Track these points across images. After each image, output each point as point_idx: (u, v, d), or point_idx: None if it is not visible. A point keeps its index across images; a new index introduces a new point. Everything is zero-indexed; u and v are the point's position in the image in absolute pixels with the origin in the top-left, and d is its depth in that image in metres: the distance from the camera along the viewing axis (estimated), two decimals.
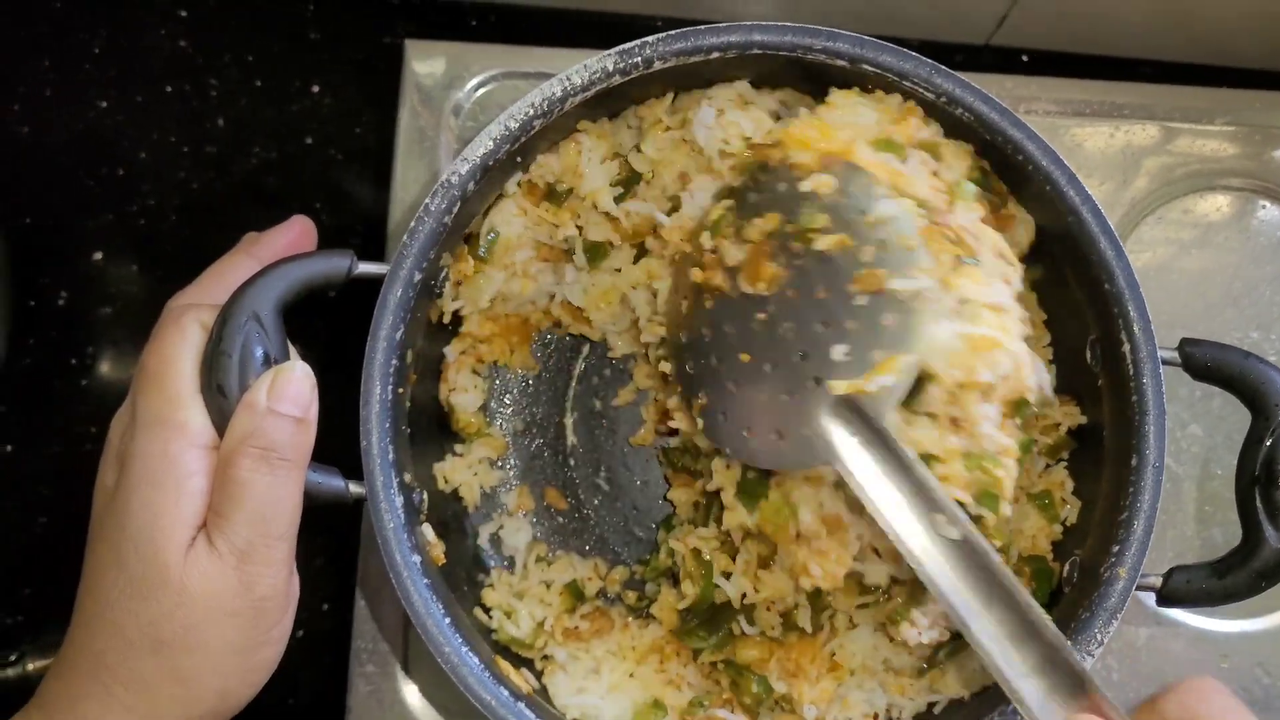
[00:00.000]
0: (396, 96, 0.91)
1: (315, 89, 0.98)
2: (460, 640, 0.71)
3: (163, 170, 0.97)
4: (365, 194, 0.97)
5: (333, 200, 0.97)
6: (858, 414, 0.69)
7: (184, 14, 0.99)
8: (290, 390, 0.68)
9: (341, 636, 0.87)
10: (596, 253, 0.82)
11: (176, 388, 0.67)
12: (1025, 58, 1.00)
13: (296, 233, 0.77)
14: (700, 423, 0.76)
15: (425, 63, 0.90)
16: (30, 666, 0.92)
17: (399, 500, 0.72)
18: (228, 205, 0.97)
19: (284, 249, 0.76)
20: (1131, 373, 0.71)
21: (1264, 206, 0.92)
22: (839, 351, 0.69)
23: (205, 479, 0.67)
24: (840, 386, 0.69)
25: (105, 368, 0.95)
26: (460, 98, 0.90)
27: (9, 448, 0.94)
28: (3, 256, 0.93)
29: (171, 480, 0.66)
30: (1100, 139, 0.91)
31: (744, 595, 0.79)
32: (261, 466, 0.66)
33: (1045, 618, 0.63)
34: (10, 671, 0.92)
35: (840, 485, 0.72)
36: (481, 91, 0.90)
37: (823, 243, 0.70)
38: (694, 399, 0.76)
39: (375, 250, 0.92)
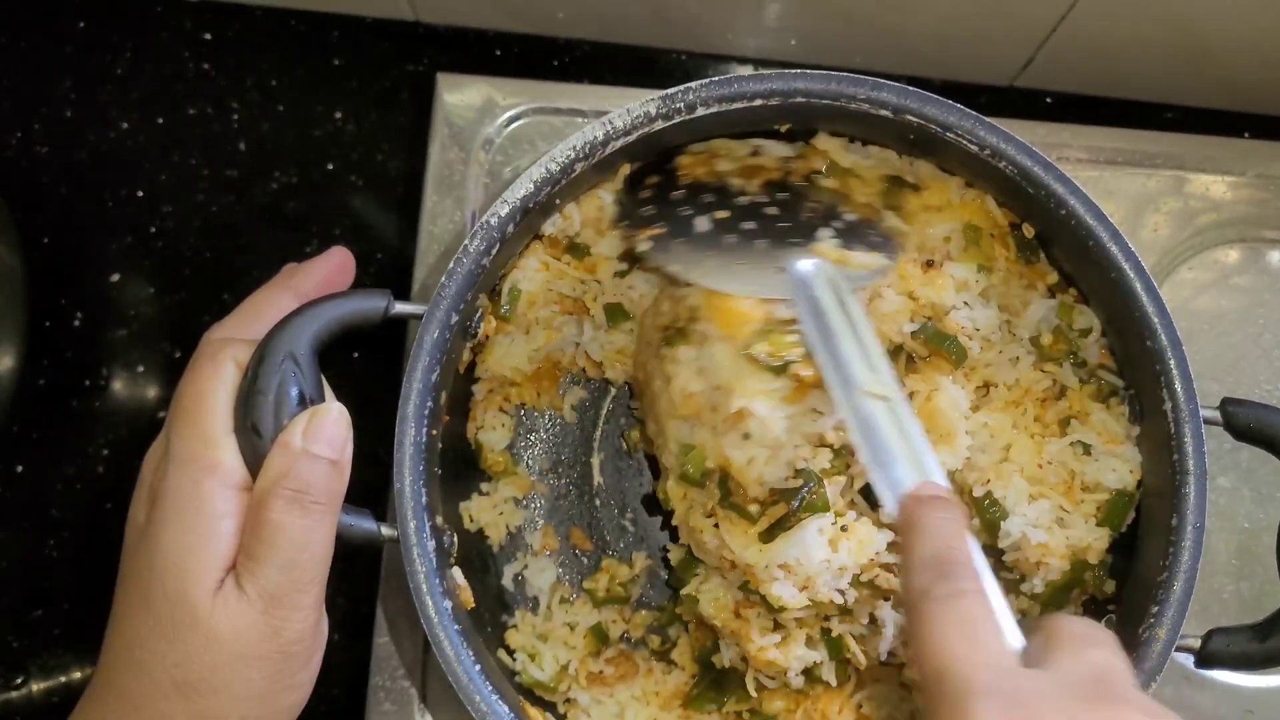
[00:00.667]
0: (418, 124, 0.92)
1: (338, 115, 0.98)
2: (490, 689, 0.70)
3: (182, 193, 0.97)
4: (386, 221, 0.96)
5: (353, 227, 0.97)
6: (827, 277, 0.73)
7: (208, 37, 0.98)
8: (326, 431, 0.67)
9: (359, 672, 0.86)
10: (615, 314, 0.82)
11: (210, 426, 0.66)
12: (1049, 100, 1.00)
13: (334, 266, 0.76)
14: (648, 245, 0.76)
15: (456, 95, 0.90)
16: (35, 688, 0.91)
17: (431, 544, 0.71)
18: (247, 229, 0.96)
19: (323, 283, 0.75)
20: (1172, 431, 0.71)
21: None
22: (825, 234, 0.74)
23: (236, 520, 0.66)
24: (822, 249, 0.74)
25: (119, 389, 0.95)
26: (490, 132, 0.89)
27: (20, 468, 0.94)
28: (20, 275, 0.92)
29: (202, 521, 0.65)
30: (1132, 187, 0.91)
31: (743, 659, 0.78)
32: (294, 509, 0.65)
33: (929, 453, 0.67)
34: (15, 694, 0.91)
35: None
36: (513, 126, 0.89)
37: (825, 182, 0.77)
38: (647, 229, 0.77)
39: (395, 276, 0.91)
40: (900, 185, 0.80)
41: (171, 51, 0.98)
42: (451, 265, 0.72)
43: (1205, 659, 0.73)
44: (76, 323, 0.95)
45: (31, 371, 0.94)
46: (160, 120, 0.97)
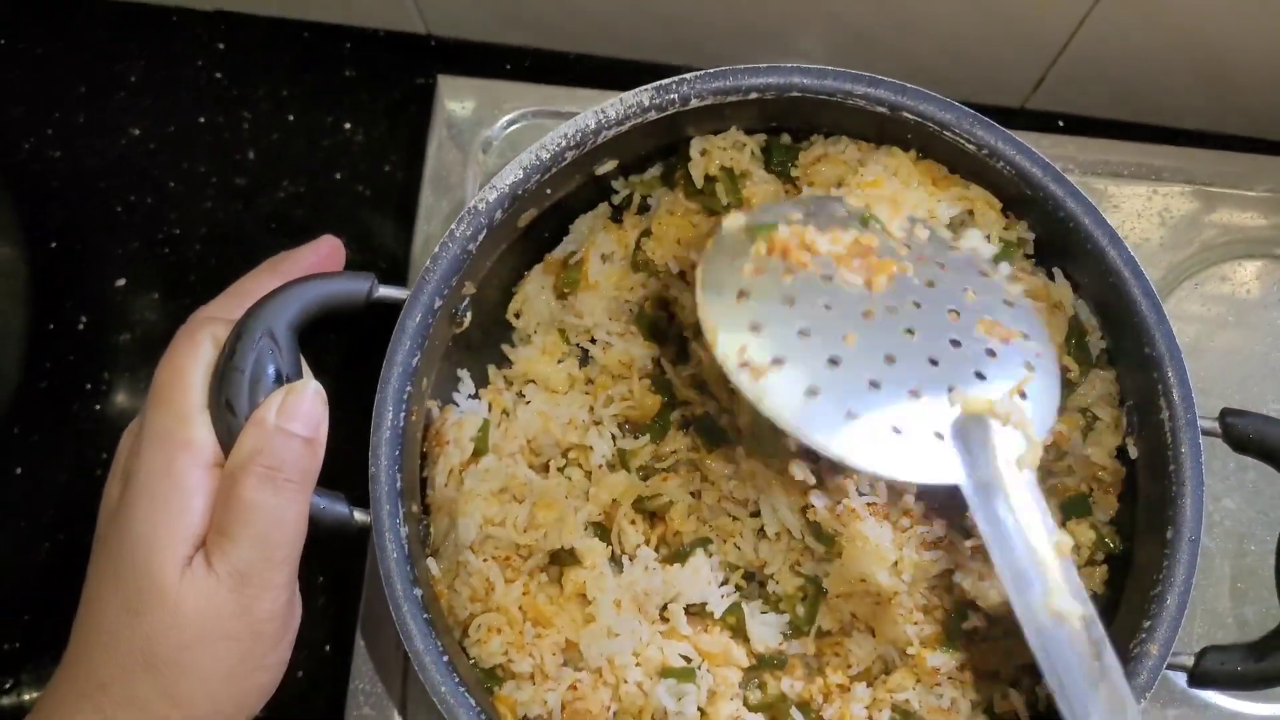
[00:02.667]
0: (426, 136, 0.91)
1: (347, 126, 0.98)
2: (456, 681, 0.69)
3: (191, 200, 0.97)
4: (391, 232, 0.96)
5: (359, 237, 0.96)
6: (985, 442, 0.64)
7: (221, 46, 0.99)
8: (301, 409, 0.66)
9: (340, 677, 0.84)
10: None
11: (185, 403, 0.66)
12: (1061, 123, 0.99)
13: (324, 253, 0.76)
14: (764, 391, 0.65)
15: (456, 98, 0.90)
16: (28, 696, 0.90)
17: (404, 531, 0.70)
18: (253, 237, 0.97)
19: (309, 268, 0.75)
20: (1169, 441, 0.69)
21: None
22: (975, 371, 0.66)
23: (207, 497, 0.65)
24: (979, 403, 0.65)
25: (121, 395, 0.95)
26: (490, 134, 0.89)
27: (18, 470, 0.93)
28: (24, 277, 0.93)
29: (174, 497, 0.65)
30: (1137, 201, 0.90)
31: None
32: (267, 486, 0.64)
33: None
34: (6, 700, 0.90)
35: None
36: (512, 129, 0.90)
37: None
38: (765, 363, 0.66)
39: (400, 285, 0.90)
40: None
41: (184, 60, 0.99)
42: (437, 250, 0.71)
43: (1199, 678, 0.70)
44: (80, 327, 0.95)
45: (33, 374, 0.94)
46: (171, 128, 0.98)
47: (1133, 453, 0.74)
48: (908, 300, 0.68)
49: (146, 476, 0.65)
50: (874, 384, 0.66)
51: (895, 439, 0.65)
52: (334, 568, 0.87)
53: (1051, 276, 0.77)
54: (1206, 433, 0.70)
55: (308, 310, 0.68)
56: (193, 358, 0.67)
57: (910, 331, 0.67)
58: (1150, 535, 0.71)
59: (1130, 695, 0.61)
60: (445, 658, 0.69)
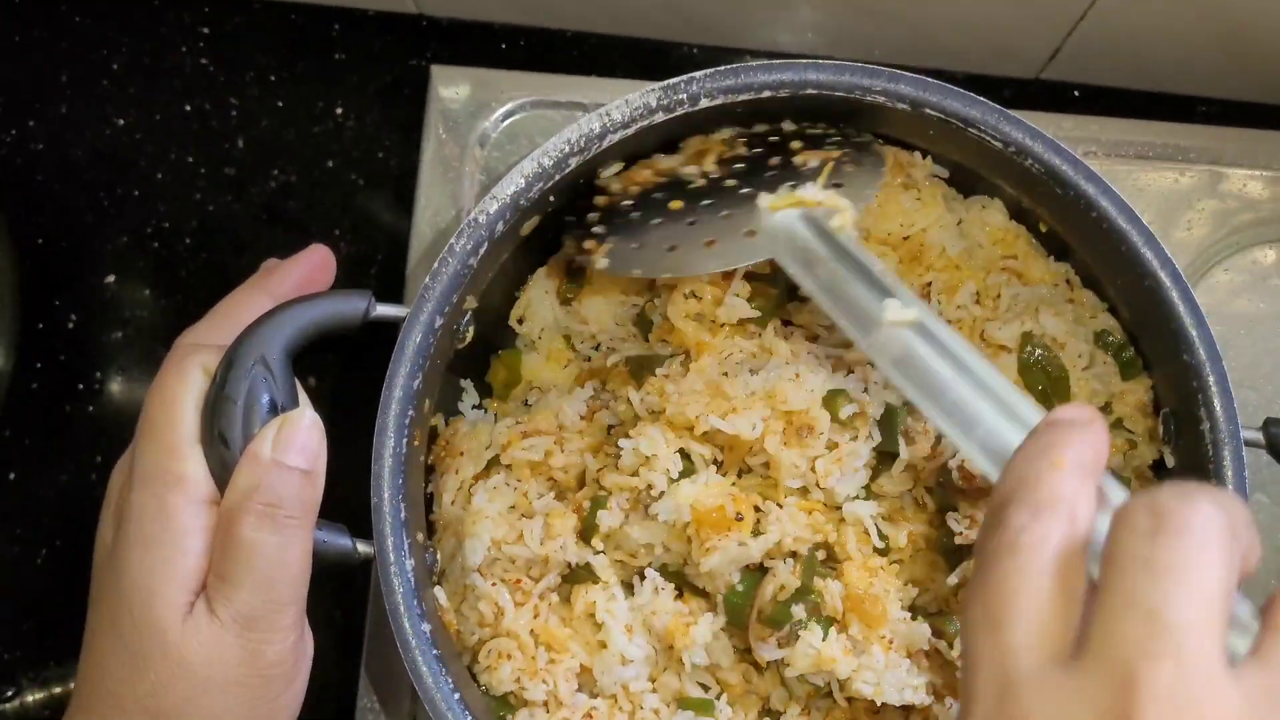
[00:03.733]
0: (422, 122, 0.88)
1: (339, 111, 0.95)
2: (471, 718, 0.67)
3: (179, 191, 0.94)
4: (387, 221, 0.93)
5: (353, 227, 0.94)
6: (806, 221, 0.64)
7: (206, 31, 0.96)
8: (297, 440, 0.64)
9: (348, 692, 0.83)
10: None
11: (176, 437, 0.63)
12: (1077, 93, 0.96)
13: (314, 264, 0.73)
14: (605, 262, 0.71)
15: (451, 89, 0.86)
16: (30, 699, 0.90)
17: (409, 564, 0.68)
18: (245, 229, 0.94)
19: (300, 283, 0.72)
20: (1210, 453, 0.67)
21: None
22: (784, 186, 0.65)
23: (204, 537, 0.63)
24: (792, 197, 0.64)
25: (114, 393, 0.92)
26: (487, 126, 0.86)
27: (12, 475, 0.91)
28: (12, 275, 0.90)
29: (168, 539, 0.62)
30: (1164, 183, 0.87)
31: None
32: (266, 525, 0.62)
33: (1004, 382, 0.55)
34: (8, 706, 0.89)
35: None
36: (509, 120, 0.86)
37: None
38: (599, 244, 0.72)
39: (394, 280, 0.88)
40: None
41: (169, 46, 0.96)
42: (436, 266, 0.68)
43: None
44: (70, 325, 0.93)
45: (24, 375, 0.92)
46: (157, 117, 0.95)
47: (1169, 461, 0.71)
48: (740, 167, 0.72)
49: (139, 518, 0.63)
50: (691, 223, 0.70)
51: (711, 248, 0.68)
52: (335, 595, 0.85)
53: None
54: (1249, 444, 0.67)
55: (303, 333, 0.66)
56: (181, 389, 0.64)
57: (734, 179, 0.70)
58: None
59: (1005, 385, 0.55)
60: (457, 695, 0.67)
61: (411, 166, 0.89)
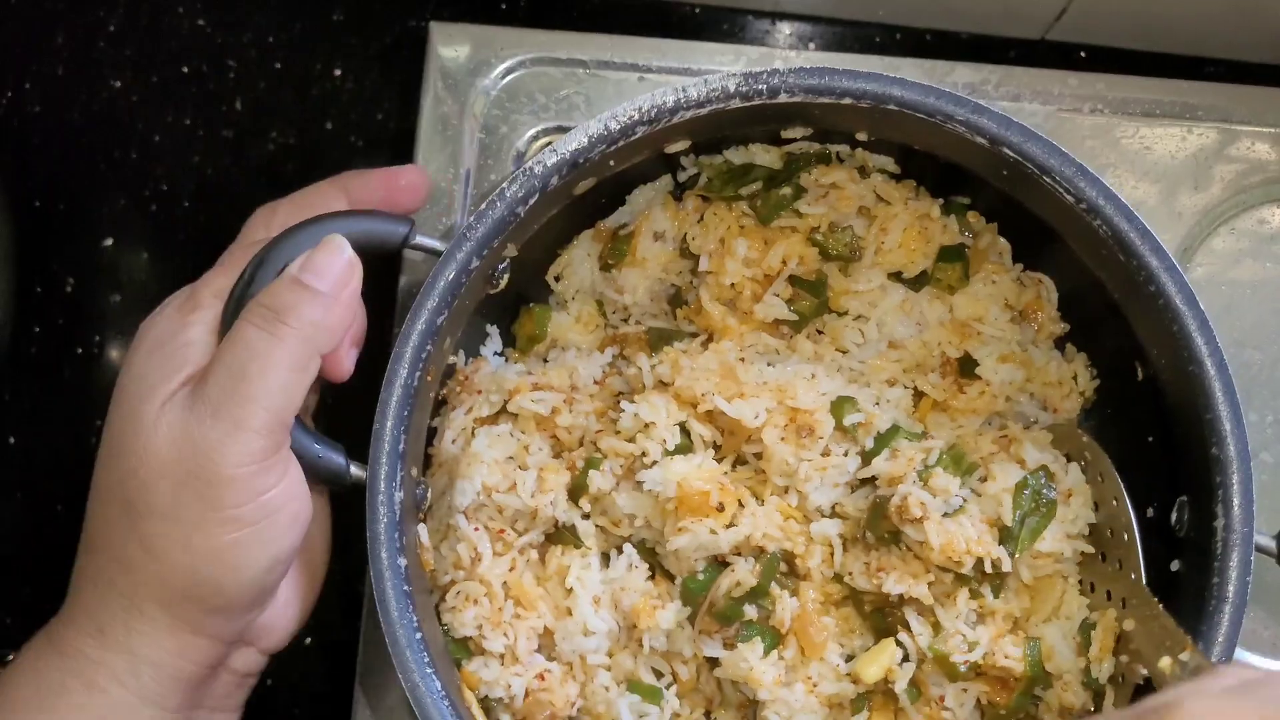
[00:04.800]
0: (420, 83, 0.87)
1: (337, 72, 0.94)
2: (426, 660, 0.67)
3: (177, 154, 0.94)
4: None
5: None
6: None
7: None
8: (318, 263, 0.65)
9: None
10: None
11: (195, 313, 0.67)
12: (1083, 54, 0.94)
13: (401, 183, 0.73)
14: None
15: (450, 46, 0.85)
16: None
17: (399, 495, 0.68)
18: (243, 191, 0.93)
19: (381, 196, 0.72)
20: (1219, 551, 0.66)
21: None
22: None
23: (205, 350, 0.65)
24: None
25: (113, 357, 0.92)
26: (486, 84, 0.85)
27: (11, 439, 0.91)
28: (9, 239, 0.90)
29: (175, 342, 0.64)
30: (1171, 142, 0.86)
31: None
32: (258, 319, 0.63)
33: None
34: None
35: None
36: (509, 78, 0.85)
37: None
38: None
39: None
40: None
41: (166, 7, 0.95)
42: (484, 207, 0.68)
43: None
44: (69, 289, 0.92)
45: (22, 339, 0.91)
46: (154, 79, 0.94)
47: (1174, 566, 0.71)
48: None
49: (151, 331, 0.66)
50: None
51: None
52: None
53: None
54: (1260, 549, 0.66)
55: None
56: (192, 316, 0.67)
57: None
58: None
59: None
60: (419, 634, 0.67)
61: (410, 127, 0.88)
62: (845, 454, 0.73)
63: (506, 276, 0.75)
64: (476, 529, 0.72)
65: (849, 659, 0.73)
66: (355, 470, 0.68)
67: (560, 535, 0.74)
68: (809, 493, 0.72)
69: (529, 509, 0.73)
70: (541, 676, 0.72)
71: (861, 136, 0.76)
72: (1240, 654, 0.79)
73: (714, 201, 0.79)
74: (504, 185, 0.68)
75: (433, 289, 0.68)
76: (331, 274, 0.65)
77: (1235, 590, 0.66)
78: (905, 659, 0.71)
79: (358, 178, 0.72)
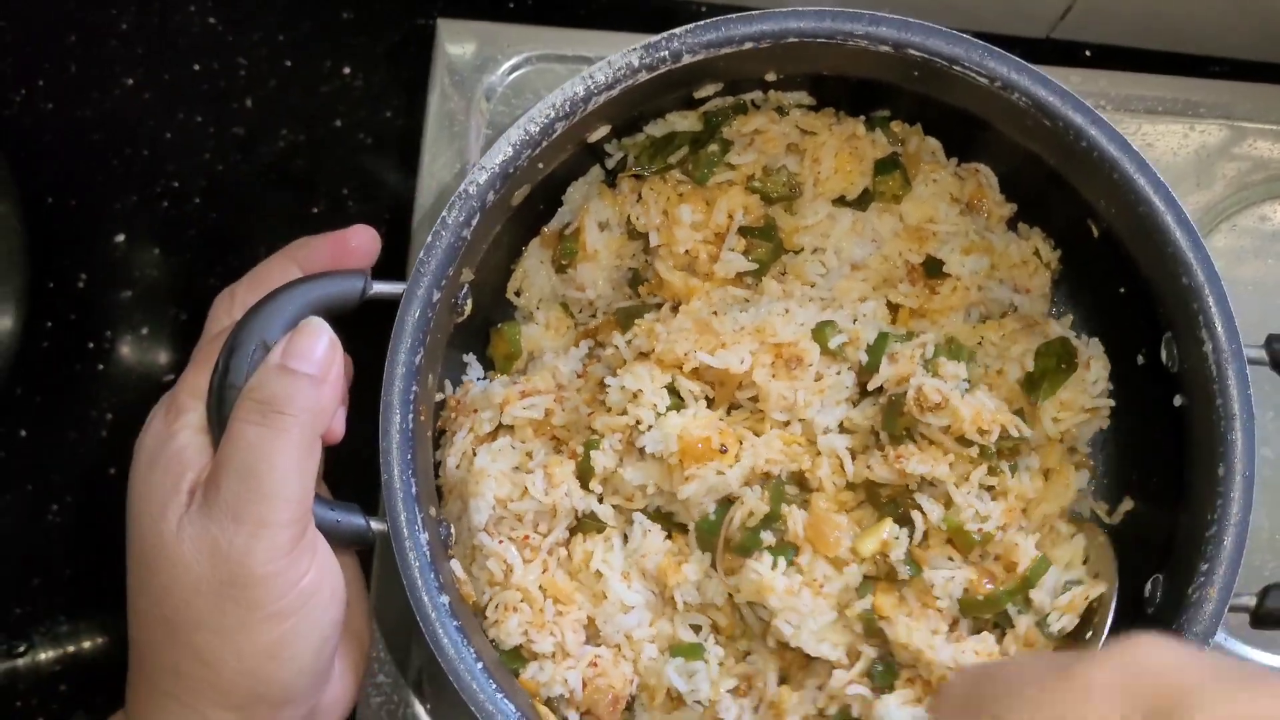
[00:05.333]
0: (428, 80, 0.88)
1: (346, 70, 0.95)
2: (495, 687, 0.67)
3: (188, 151, 0.94)
4: (395, 180, 0.93)
5: (362, 186, 0.94)
6: None
7: None
8: (301, 346, 0.65)
9: None
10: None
11: (176, 417, 0.67)
12: (1088, 53, 0.95)
13: (349, 244, 0.72)
14: None
15: (457, 43, 0.86)
16: (42, 656, 0.90)
17: (424, 537, 0.68)
18: (253, 189, 0.94)
19: (330, 260, 0.72)
20: (1214, 374, 0.67)
21: None
22: None
23: (201, 452, 0.65)
24: None
25: (123, 353, 0.93)
26: (493, 81, 0.86)
27: (23, 432, 0.92)
28: (21, 236, 0.90)
29: (168, 452, 0.65)
30: (1173, 139, 0.86)
31: None
32: (254, 417, 0.63)
33: None
34: (20, 661, 0.90)
35: None
36: (515, 75, 0.86)
37: None
38: None
39: (403, 238, 0.88)
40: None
41: (177, 6, 0.95)
42: (430, 239, 0.68)
43: (1263, 617, 0.68)
44: (80, 284, 0.93)
45: (34, 334, 0.92)
46: (165, 77, 0.95)
47: (1177, 401, 0.72)
48: None
49: (145, 446, 0.66)
50: None
51: None
52: None
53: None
54: (1253, 361, 0.67)
55: (302, 315, 0.66)
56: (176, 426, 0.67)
57: None
58: (1200, 475, 0.69)
59: None
60: (480, 664, 0.67)
61: (417, 124, 0.88)
62: (838, 373, 0.74)
63: (469, 302, 0.75)
64: (500, 542, 0.73)
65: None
66: (376, 525, 0.69)
67: (583, 525, 0.74)
68: (812, 417, 0.73)
69: (546, 507, 0.73)
70: (594, 663, 0.72)
71: (771, 77, 0.76)
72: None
73: (648, 178, 0.79)
74: (444, 214, 0.69)
75: (403, 329, 0.68)
76: (315, 356, 0.65)
77: (1240, 405, 0.66)
78: (911, 536, 0.72)
79: (305, 246, 0.72)
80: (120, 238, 0.94)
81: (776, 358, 0.72)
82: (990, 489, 0.72)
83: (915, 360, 0.72)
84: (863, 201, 0.79)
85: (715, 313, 0.74)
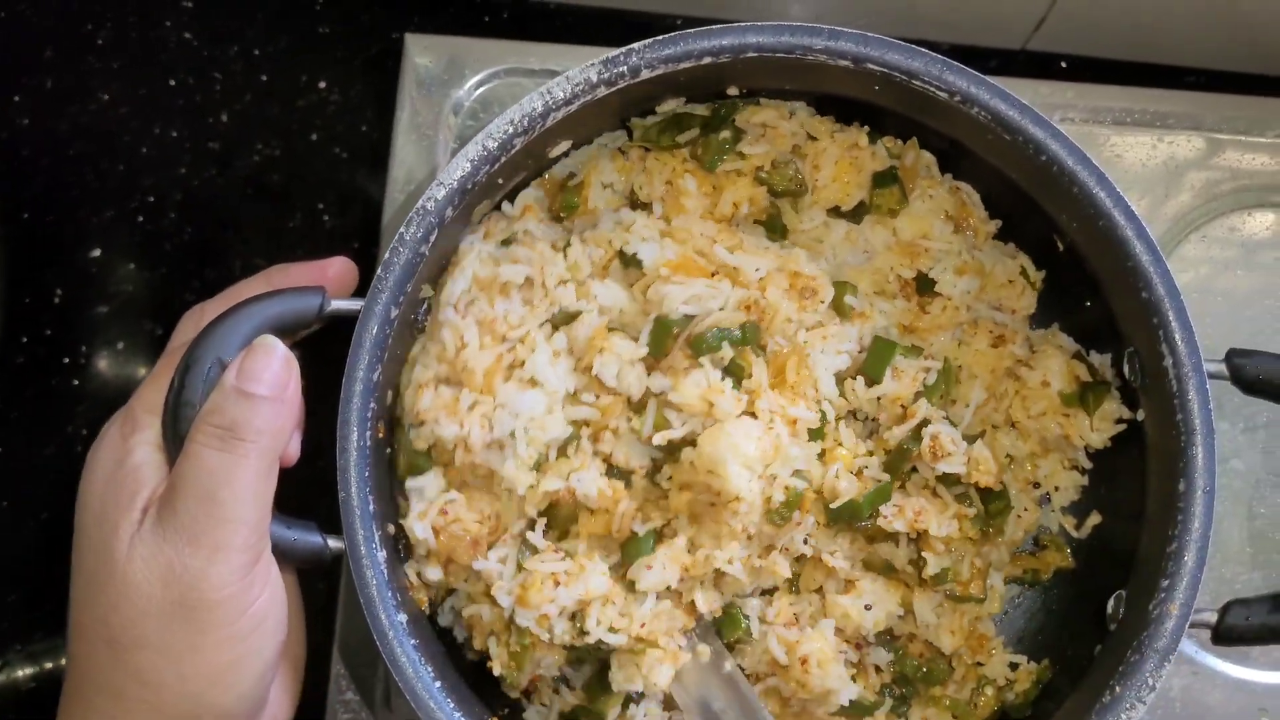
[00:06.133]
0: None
1: (322, 85, 0.95)
2: (452, 706, 0.67)
3: (164, 166, 0.94)
4: (370, 194, 0.93)
5: (338, 200, 0.94)
6: None
7: (190, 5, 0.96)
8: (256, 368, 0.64)
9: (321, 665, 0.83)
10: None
11: (136, 437, 0.67)
12: (1064, 64, 0.95)
13: (330, 275, 0.72)
14: None
15: (425, 57, 0.86)
16: (20, 673, 0.90)
17: (381, 555, 0.68)
18: (229, 203, 0.94)
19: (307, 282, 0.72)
20: (1175, 388, 0.67)
21: None
22: None
23: (156, 470, 0.64)
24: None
25: (100, 367, 0.93)
26: (460, 95, 0.86)
27: None
28: None
29: (124, 468, 0.64)
30: (1142, 150, 0.86)
31: None
32: (214, 441, 0.63)
33: None
34: None
35: None
36: (483, 89, 0.86)
37: None
38: None
39: (377, 252, 0.89)
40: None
41: (154, 21, 0.96)
42: (388, 256, 0.68)
43: (1223, 634, 0.68)
44: (56, 299, 0.93)
45: (10, 349, 0.92)
46: (142, 91, 0.95)
47: (1140, 415, 0.72)
48: None
49: (97, 459, 0.66)
50: None
51: None
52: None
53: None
54: (1213, 376, 0.67)
55: (258, 333, 0.66)
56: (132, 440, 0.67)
57: None
58: (1162, 490, 0.69)
59: None
60: (439, 684, 0.67)
61: (387, 137, 0.89)
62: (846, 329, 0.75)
63: (429, 319, 0.75)
64: (465, 318, 0.72)
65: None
66: (333, 543, 0.68)
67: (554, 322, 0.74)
68: (815, 356, 0.73)
69: (534, 283, 0.73)
70: (444, 511, 0.71)
71: (733, 91, 0.76)
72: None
73: (654, 151, 0.78)
74: (401, 230, 0.69)
75: (360, 347, 0.68)
76: (269, 376, 0.65)
77: (1201, 420, 0.67)
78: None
79: (284, 271, 0.72)
80: (96, 252, 0.94)
81: (792, 285, 0.72)
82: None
83: (918, 382, 0.73)
84: (857, 214, 0.79)
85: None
